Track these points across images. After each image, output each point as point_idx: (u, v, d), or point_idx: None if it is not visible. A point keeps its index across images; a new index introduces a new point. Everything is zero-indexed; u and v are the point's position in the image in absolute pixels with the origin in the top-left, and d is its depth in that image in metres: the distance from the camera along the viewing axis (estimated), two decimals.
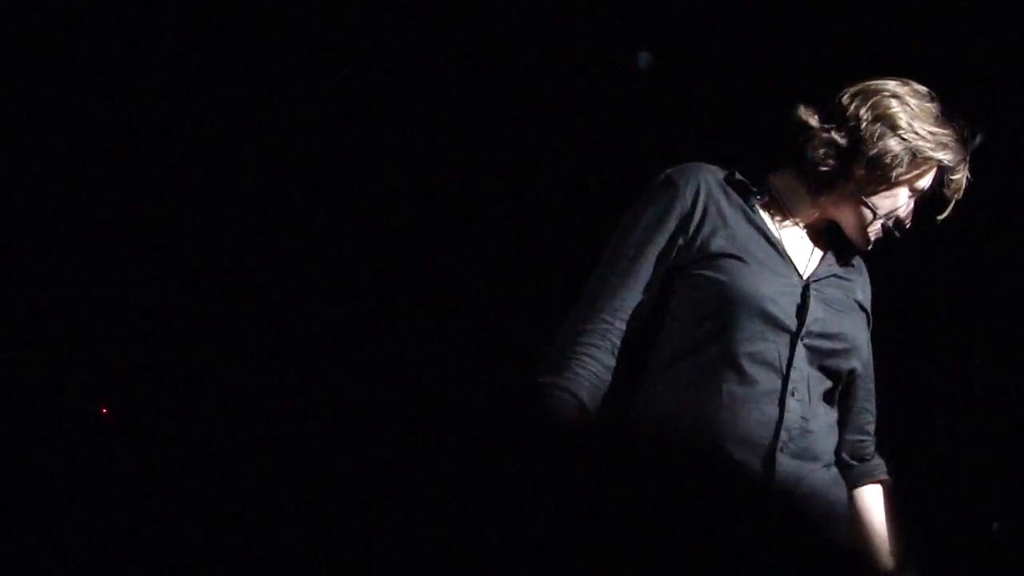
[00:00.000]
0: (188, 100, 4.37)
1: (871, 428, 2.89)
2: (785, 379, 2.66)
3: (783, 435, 2.65)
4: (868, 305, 2.82)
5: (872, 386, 2.87)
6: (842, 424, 2.82)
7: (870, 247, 2.79)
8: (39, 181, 4.40)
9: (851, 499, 2.85)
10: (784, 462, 2.66)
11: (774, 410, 2.65)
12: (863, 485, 2.87)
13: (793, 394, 2.66)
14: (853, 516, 2.85)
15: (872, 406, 2.88)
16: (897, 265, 2.96)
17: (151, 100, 4.29)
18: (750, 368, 2.64)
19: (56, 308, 4.49)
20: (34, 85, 4.24)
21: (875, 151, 2.70)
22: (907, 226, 2.77)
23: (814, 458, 2.71)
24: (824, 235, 2.80)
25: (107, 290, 4.51)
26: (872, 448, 2.89)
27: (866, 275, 2.86)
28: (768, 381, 2.65)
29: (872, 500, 2.88)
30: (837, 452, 2.81)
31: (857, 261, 2.84)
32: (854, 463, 2.86)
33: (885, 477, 2.90)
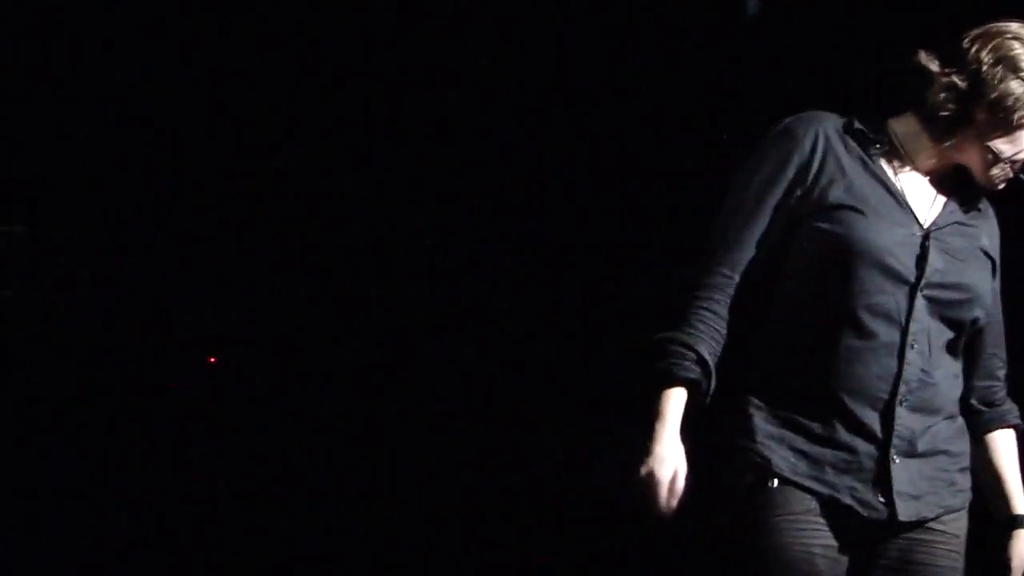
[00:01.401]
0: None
1: (1002, 373, 2.84)
2: (904, 331, 2.62)
3: (902, 388, 2.62)
4: (995, 251, 2.77)
5: (1001, 331, 2.82)
6: (971, 371, 2.78)
7: (998, 189, 2.74)
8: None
9: (981, 446, 2.80)
10: (903, 416, 2.62)
11: (893, 363, 2.62)
12: (994, 431, 2.83)
13: (913, 346, 2.63)
14: (983, 463, 2.80)
15: (1002, 352, 2.83)
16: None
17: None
18: (868, 321, 2.61)
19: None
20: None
21: (996, 94, 2.64)
22: None
23: (935, 411, 2.67)
24: (947, 181, 2.75)
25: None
26: (1003, 393, 2.85)
27: (993, 219, 2.80)
28: (887, 334, 2.61)
29: (1004, 446, 2.83)
30: (966, 399, 2.77)
31: (984, 205, 2.78)
32: (984, 409, 2.81)
33: (1018, 422, 2.86)
